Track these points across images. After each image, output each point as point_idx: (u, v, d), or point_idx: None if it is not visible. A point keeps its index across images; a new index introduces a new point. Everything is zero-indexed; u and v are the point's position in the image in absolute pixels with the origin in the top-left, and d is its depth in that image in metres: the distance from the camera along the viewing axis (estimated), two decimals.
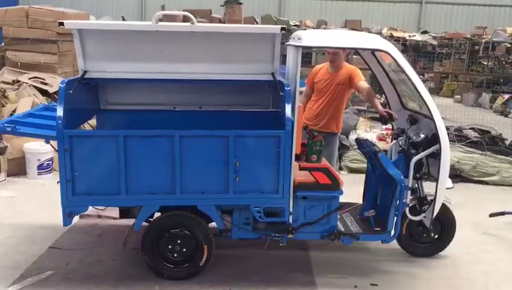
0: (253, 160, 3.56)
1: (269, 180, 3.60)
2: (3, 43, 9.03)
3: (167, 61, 3.82)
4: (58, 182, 3.54)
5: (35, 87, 7.73)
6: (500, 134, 7.90)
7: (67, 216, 3.58)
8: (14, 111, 6.87)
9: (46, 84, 7.85)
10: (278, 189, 3.60)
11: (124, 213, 4.16)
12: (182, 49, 3.80)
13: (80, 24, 3.80)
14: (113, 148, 3.47)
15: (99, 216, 4.85)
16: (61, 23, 3.60)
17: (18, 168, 6.35)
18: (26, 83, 7.77)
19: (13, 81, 7.95)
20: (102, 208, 4.41)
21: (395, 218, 3.90)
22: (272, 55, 3.77)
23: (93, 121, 4.48)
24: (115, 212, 4.47)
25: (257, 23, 15.03)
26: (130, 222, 4.05)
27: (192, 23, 3.61)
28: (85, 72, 3.80)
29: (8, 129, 3.68)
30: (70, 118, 3.53)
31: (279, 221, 3.73)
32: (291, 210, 3.71)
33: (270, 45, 3.72)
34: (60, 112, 3.42)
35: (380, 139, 7.51)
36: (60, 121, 3.41)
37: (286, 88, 3.57)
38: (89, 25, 3.85)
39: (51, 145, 3.76)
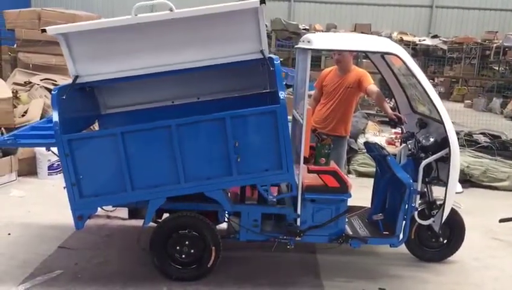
0: (252, 139, 3.54)
1: (271, 157, 3.55)
2: (15, 45, 9.13)
3: (155, 54, 3.74)
4: (64, 187, 3.57)
5: (47, 88, 7.81)
6: (511, 139, 7.84)
7: (78, 219, 3.60)
8: (25, 112, 6.95)
9: (57, 85, 7.90)
10: (281, 164, 3.55)
11: (133, 213, 4.18)
12: (168, 39, 3.71)
13: (62, 28, 3.68)
14: (113, 146, 3.48)
15: (109, 216, 4.88)
16: (44, 30, 3.47)
17: (29, 168, 6.42)
18: (38, 84, 7.85)
19: (25, 82, 8.03)
20: (112, 209, 4.43)
21: (404, 222, 3.88)
22: (258, 32, 3.65)
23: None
24: (124, 212, 4.50)
25: (266, 26, 15.02)
26: (139, 222, 4.07)
27: (171, 10, 3.49)
28: (76, 77, 3.72)
29: (8, 142, 3.71)
30: (69, 124, 3.54)
31: (290, 196, 3.76)
32: (298, 208, 3.69)
33: (254, 21, 3.61)
34: (55, 117, 3.43)
35: (389, 143, 7.49)
36: (57, 127, 3.41)
37: (276, 62, 3.55)
38: (71, 28, 3.74)
39: (52, 152, 3.76)
